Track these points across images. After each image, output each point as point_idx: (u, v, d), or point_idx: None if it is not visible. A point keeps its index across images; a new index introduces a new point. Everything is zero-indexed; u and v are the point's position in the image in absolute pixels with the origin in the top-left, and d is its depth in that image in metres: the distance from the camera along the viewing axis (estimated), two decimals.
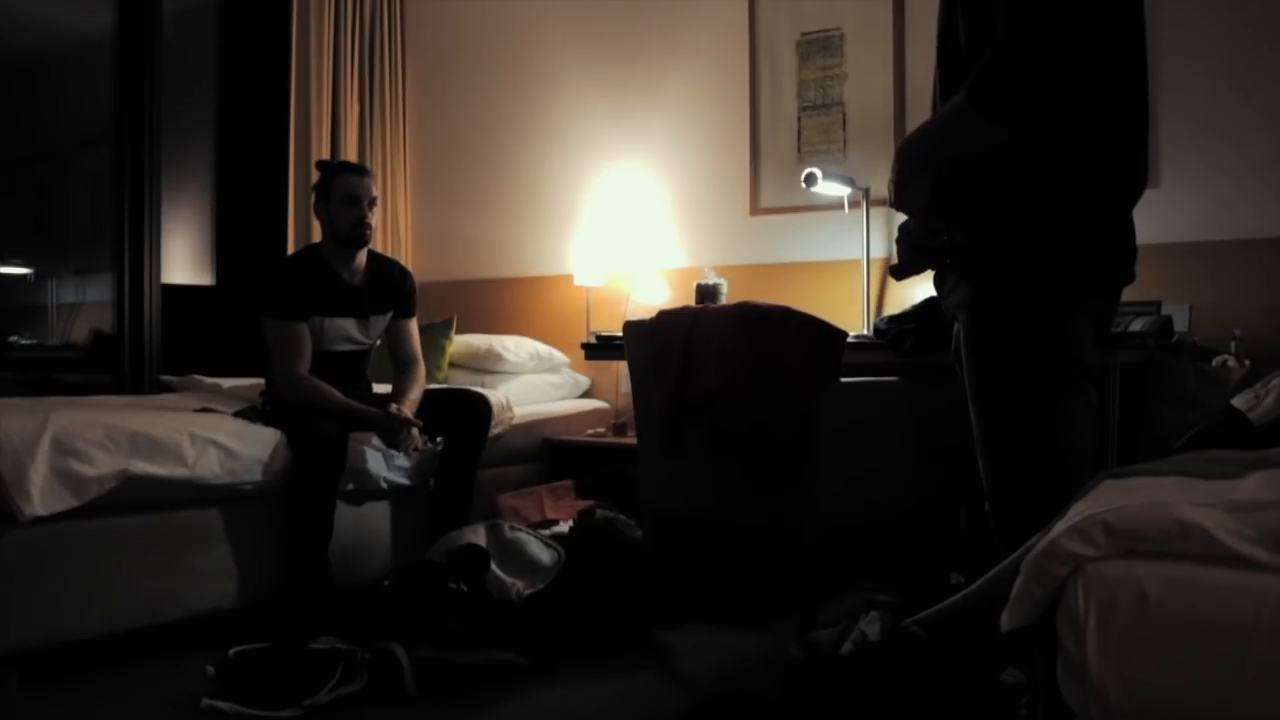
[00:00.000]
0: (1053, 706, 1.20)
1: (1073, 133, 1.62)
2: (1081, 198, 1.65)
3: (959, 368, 1.86)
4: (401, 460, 3.05)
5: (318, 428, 2.81)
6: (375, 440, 2.98)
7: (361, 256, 3.11)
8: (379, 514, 3.07)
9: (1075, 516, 1.15)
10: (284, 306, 2.97)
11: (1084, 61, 1.53)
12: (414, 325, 3.29)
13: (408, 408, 3.02)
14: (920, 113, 3.52)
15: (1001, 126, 1.57)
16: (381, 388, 3.25)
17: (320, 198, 3.09)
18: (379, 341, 3.28)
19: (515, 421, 3.56)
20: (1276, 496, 1.13)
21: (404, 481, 3.08)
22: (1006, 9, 1.55)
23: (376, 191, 3.13)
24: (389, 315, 3.20)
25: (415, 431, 2.97)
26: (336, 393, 2.94)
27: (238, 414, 2.96)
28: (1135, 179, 1.72)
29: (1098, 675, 1.08)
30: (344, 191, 3.03)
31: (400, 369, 3.22)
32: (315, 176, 3.18)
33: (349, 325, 3.09)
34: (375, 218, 3.10)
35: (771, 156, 3.89)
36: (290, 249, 4.28)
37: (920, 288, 3.49)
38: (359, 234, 3.04)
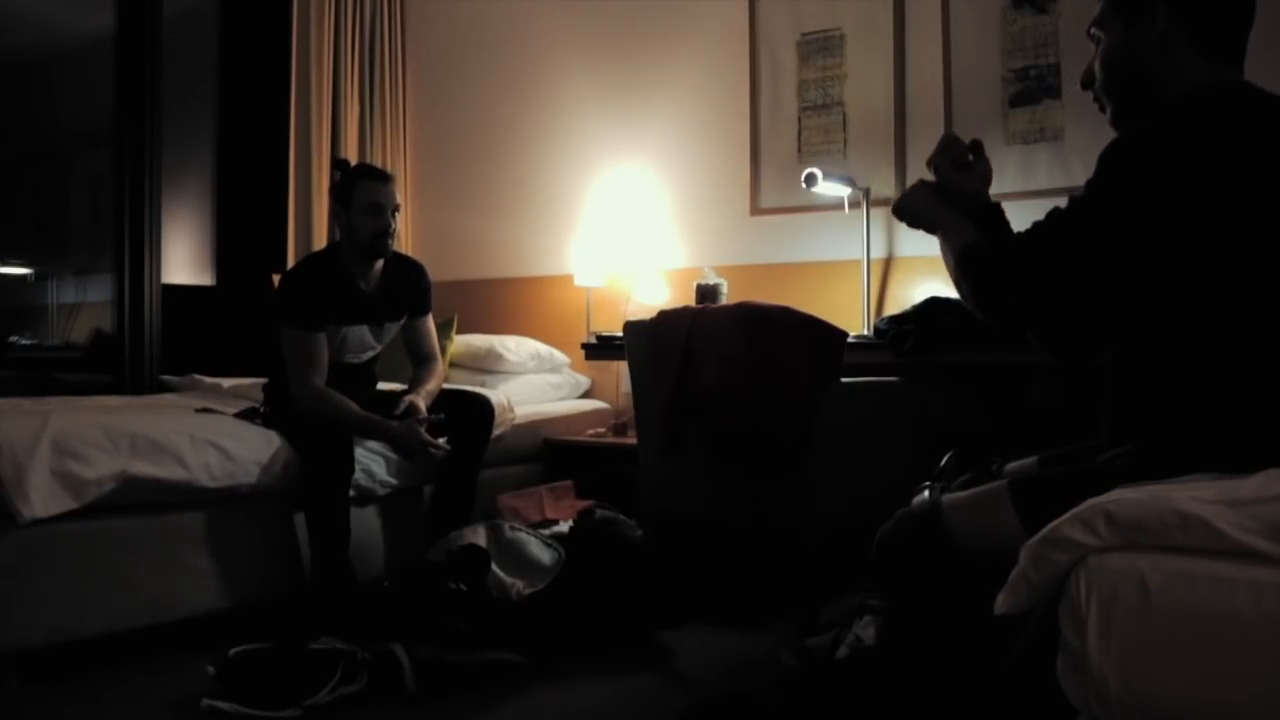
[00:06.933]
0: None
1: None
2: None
3: None
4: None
5: (324, 435, 2.81)
6: (375, 444, 2.97)
7: (379, 263, 3.04)
8: (378, 515, 3.07)
9: (1078, 506, 1.16)
10: (304, 316, 2.90)
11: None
12: (430, 322, 3.27)
13: (423, 398, 3.02)
14: (920, 113, 3.52)
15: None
16: (386, 386, 3.24)
17: (339, 201, 2.98)
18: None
19: (516, 422, 3.56)
20: (1278, 492, 1.13)
21: (405, 484, 3.07)
22: (1051, 215, 1.41)
23: (400, 198, 3.04)
24: (402, 320, 3.18)
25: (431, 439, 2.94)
26: (354, 405, 2.90)
27: (238, 415, 2.96)
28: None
29: (1098, 667, 1.09)
30: (366, 199, 2.92)
31: (419, 365, 3.22)
32: (329, 175, 3.10)
33: (365, 333, 3.06)
34: (398, 225, 3.01)
35: (771, 156, 3.89)
36: (290, 249, 4.28)
37: (920, 287, 3.50)
38: (381, 245, 2.96)
